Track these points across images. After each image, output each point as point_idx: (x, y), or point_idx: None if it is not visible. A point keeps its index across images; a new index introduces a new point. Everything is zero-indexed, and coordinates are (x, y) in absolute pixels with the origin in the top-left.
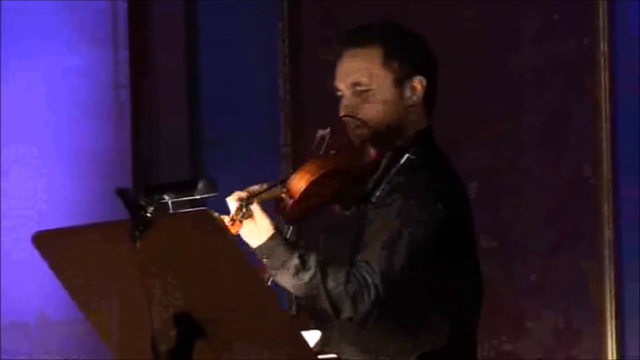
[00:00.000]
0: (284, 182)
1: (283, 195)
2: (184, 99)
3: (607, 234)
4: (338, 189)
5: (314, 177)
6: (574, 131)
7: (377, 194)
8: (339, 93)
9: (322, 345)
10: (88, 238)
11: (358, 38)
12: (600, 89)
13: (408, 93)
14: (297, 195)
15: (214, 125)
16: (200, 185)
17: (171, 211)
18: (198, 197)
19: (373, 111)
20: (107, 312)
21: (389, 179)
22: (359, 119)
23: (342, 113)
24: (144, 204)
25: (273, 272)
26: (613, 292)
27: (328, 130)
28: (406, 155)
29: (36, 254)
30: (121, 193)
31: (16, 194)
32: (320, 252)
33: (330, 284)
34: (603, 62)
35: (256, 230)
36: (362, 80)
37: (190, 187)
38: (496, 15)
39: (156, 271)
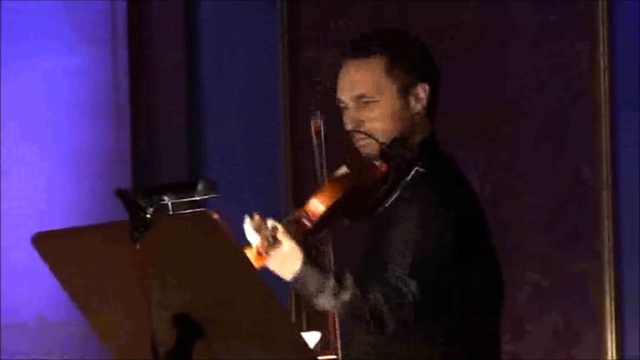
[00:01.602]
0: (302, 206)
1: (304, 220)
2: (183, 99)
3: (607, 235)
4: (350, 203)
5: (333, 200)
6: (573, 133)
7: (387, 204)
8: (342, 105)
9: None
10: (87, 239)
11: (360, 48)
12: (599, 90)
13: (413, 101)
14: (317, 218)
15: (213, 124)
16: (200, 186)
17: (171, 212)
18: (198, 198)
19: (379, 123)
20: (106, 313)
21: (399, 190)
22: (366, 133)
23: (348, 126)
24: (143, 204)
25: (310, 298)
26: (612, 294)
27: (319, 118)
28: (415, 168)
29: (36, 254)
30: (121, 194)
31: (16, 193)
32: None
33: (371, 298)
34: (602, 63)
35: (286, 260)
36: (367, 93)
37: (190, 188)
38: (494, 16)
39: (155, 272)
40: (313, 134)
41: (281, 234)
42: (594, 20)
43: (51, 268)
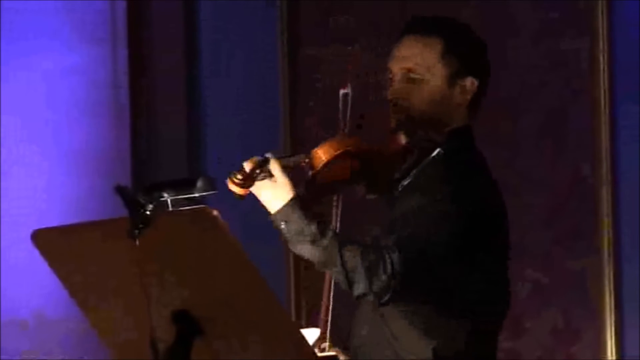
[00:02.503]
0: (307, 153)
1: (303, 164)
2: (182, 98)
3: (606, 233)
4: (359, 170)
5: (337, 152)
6: (573, 131)
7: (405, 183)
8: (390, 75)
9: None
10: (87, 236)
11: (421, 26)
12: (599, 88)
13: (458, 91)
14: (318, 167)
15: (212, 124)
16: (199, 184)
17: (170, 209)
18: (197, 195)
19: (418, 100)
20: (105, 310)
21: (417, 171)
22: (402, 106)
23: (389, 96)
24: (142, 201)
25: (289, 239)
26: (612, 292)
27: (349, 88)
28: (437, 150)
29: (35, 252)
30: (120, 190)
31: (16, 192)
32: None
33: (347, 254)
34: (602, 61)
35: (275, 192)
36: (417, 69)
37: (189, 185)
38: (494, 14)
39: (155, 269)
40: (341, 102)
41: (274, 165)
42: (594, 18)
43: (50, 265)
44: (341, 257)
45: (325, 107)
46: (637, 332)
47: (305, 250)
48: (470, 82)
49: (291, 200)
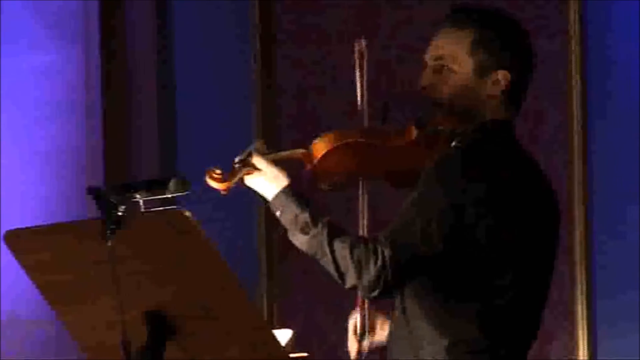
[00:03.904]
0: (307, 146)
1: (301, 157)
2: (155, 98)
3: (579, 235)
4: (370, 163)
5: (335, 144)
6: (546, 132)
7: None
8: (424, 64)
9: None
10: (60, 237)
11: (455, 18)
12: (572, 89)
13: (489, 84)
14: (317, 159)
15: (186, 123)
16: (171, 184)
17: (143, 210)
18: (169, 195)
19: (446, 90)
20: (79, 311)
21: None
22: (427, 96)
23: (420, 84)
24: (115, 202)
25: (287, 228)
26: (585, 294)
27: (364, 43)
28: (454, 142)
29: (7, 252)
30: (93, 191)
31: None
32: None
33: (337, 244)
34: (574, 61)
35: (266, 182)
36: (446, 58)
37: (161, 186)
38: None
39: (128, 269)
40: (356, 55)
41: (258, 158)
42: (567, 19)
43: (23, 265)
44: (331, 247)
45: (298, 105)
46: (608, 332)
47: (297, 238)
48: (502, 76)
49: (284, 188)
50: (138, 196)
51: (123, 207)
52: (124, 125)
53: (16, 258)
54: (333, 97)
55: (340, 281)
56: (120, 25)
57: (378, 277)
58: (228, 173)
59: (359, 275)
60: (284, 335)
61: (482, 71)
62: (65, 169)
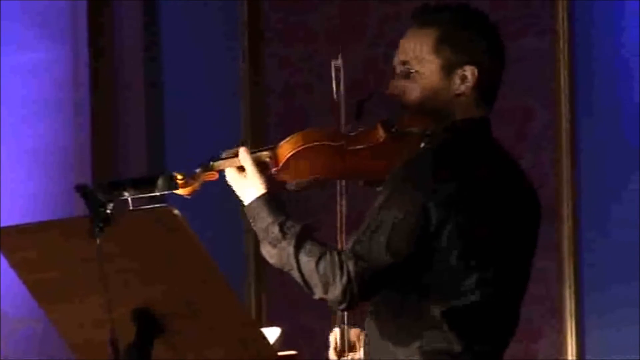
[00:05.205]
0: (274, 148)
1: (268, 160)
2: (143, 96)
3: (567, 232)
4: (335, 165)
5: (301, 146)
6: (534, 130)
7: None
8: (394, 71)
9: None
10: (47, 234)
11: (420, 17)
12: (560, 87)
13: (457, 81)
14: (281, 162)
15: (174, 120)
16: (160, 182)
17: (131, 208)
18: (158, 193)
19: (413, 93)
20: (67, 309)
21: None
22: (398, 100)
23: (388, 90)
24: (103, 200)
25: (259, 237)
26: (572, 290)
27: (340, 61)
28: (422, 143)
29: None
30: (81, 189)
31: None
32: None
33: (303, 257)
34: (563, 60)
35: (244, 188)
36: (409, 61)
37: (150, 184)
38: None
39: (117, 267)
40: (333, 74)
41: (245, 157)
42: (554, 16)
43: (11, 264)
44: (297, 261)
45: (286, 103)
46: (597, 329)
47: (266, 250)
48: (470, 72)
49: (259, 197)
50: (126, 194)
51: (111, 205)
52: (111, 123)
53: (4, 256)
54: (320, 95)
55: (309, 292)
56: (108, 23)
57: (344, 291)
58: (189, 177)
59: (326, 290)
60: (272, 334)
61: (449, 69)
62: (53, 166)
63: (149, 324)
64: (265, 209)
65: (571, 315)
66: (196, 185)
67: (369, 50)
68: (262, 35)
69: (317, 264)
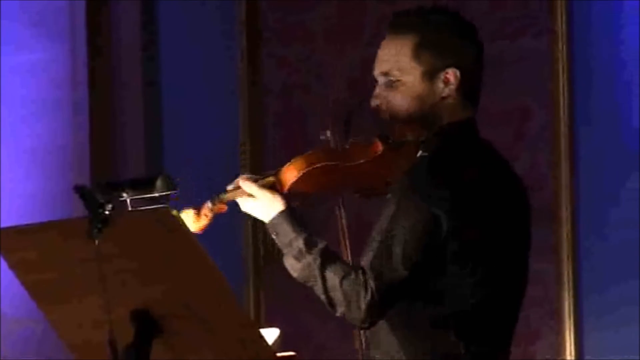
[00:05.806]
0: (276, 173)
1: (273, 185)
2: (141, 94)
3: (565, 234)
4: (338, 182)
5: (303, 171)
6: (532, 130)
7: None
8: (375, 80)
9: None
10: (46, 235)
11: (396, 24)
12: (558, 88)
13: (441, 85)
14: (286, 188)
15: (172, 120)
16: (158, 183)
17: (130, 209)
18: (157, 194)
19: (399, 103)
20: (66, 310)
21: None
22: (384, 112)
23: (371, 103)
24: (102, 201)
25: (283, 251)
26: (571, 291)
27: (328, 133)
28: (419, 152)
29: None
30: (79, 190)
31: None
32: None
33: (328, 274)
34: (561, 61)
35: (261, 208)
36: (391, 71)
37: (148, 184)
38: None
39: (115, 268)
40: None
41: (248, 184)
42: (553, 16)
43: (9, 265)
44: (322, 278)
45: (284, 104)
46: (595, 331)
47: (291, 264)
48: (452, 74)
49: (280, 212)
50: (125, 195)
51: (110, 205)
52: (110, 123)
53: (2, 256)
54: (318, 95)
55: (330, 309)
56: (106, 22)
57: (368, 310)
58: (197, 214)
59: (349, 308)
60: (270, 335)
61: (431, 74)
62: (51, 166)
63: (147, 325)
64: (286, 224)
65: (569, 317)
66: (207, 221)
67: (367, 49)
68: (260, 34)
69: (341, 282)
